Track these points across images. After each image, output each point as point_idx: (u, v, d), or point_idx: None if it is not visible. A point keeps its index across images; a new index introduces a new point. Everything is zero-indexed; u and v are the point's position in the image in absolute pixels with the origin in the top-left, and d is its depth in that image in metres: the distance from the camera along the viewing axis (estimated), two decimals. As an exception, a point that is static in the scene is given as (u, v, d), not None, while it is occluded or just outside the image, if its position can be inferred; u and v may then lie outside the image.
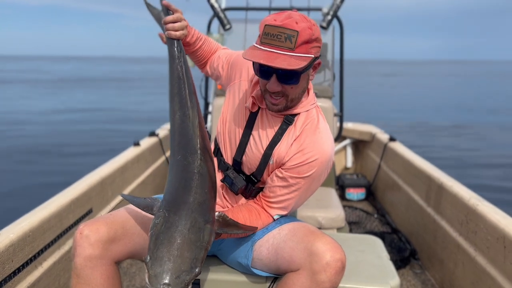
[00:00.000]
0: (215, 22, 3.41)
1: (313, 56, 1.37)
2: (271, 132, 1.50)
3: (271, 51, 1.32)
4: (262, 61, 1.31)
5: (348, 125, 4.57)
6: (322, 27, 3.21)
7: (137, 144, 3.54)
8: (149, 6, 1.63)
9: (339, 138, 3.67)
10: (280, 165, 1.49)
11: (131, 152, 3.33)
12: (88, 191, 2.47)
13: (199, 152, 1.35)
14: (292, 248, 1.38)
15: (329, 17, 3.21)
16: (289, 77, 1.37)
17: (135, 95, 20.40)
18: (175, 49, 1.51)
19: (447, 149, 9.03)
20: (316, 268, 1.31)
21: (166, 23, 1.51)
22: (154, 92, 21.56)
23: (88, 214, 2.44)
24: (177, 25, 1.50)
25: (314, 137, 1.47)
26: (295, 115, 1.50)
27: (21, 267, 1.80)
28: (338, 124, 3.60)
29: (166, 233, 1.18)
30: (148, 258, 1.15)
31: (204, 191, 1.29)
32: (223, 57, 1.72)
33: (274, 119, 1.51)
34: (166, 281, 1.11)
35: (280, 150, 1.48)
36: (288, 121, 1.49)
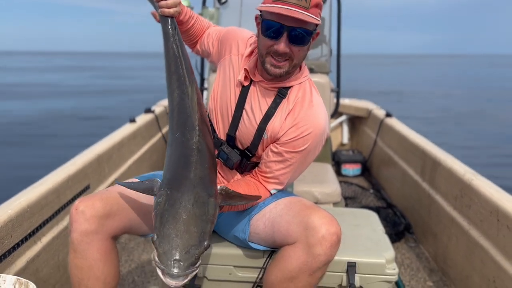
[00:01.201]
0: None
1: (320, 21, 1.37)
2: (264, 106, 1.50)
3: (288, 8, 1.30)
4: (283, 12, 1.29)
5: (344, 101, 4.56)
6: None
7: (133, 120, 3.53)
8: None
9: (336, 113, 3.67)
10: (275, 139, 1.49)
11: (127, 129, 3.32)
12: (85, 167, 2.48)
13: (197, 128, 1.34)
14: (288, 222, 1.40)
15: None
16: (300, 38, 1.36)
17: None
18: (169, 27, 1.48)
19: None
20: (311, 241, 1.33)
21: (158, 0, 1.47)
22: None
23: (85, 190, 2.45)
24: (170, 1, 1.47)
25: (308, 111, 1.47)
26: (288, 88, 1.49)
27: (20, 242, 1.82)
28: (335, 100, 3.59)
29: (171, 210, 1.18)
30: (155, 236, 1.14)
31: (204, 166, 1.30)
32: (213, 34, 1.69)
33: (267, 92, 1.50)
34: (177, 257, 1.11)
35: (274, 124, 1.48)
36: (282, 94, 1.48)
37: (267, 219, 1.47)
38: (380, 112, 4.19)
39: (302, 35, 1.35)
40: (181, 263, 1.10)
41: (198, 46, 1.76)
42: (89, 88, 20.00)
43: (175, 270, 1.10)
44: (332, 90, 3.02)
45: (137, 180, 1.53)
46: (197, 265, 1.14)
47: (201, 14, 3.13)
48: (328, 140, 3.03)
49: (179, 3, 1.51)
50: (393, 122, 3.81)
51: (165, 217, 1.17)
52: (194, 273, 1.14)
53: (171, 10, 1.48)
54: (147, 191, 1.33)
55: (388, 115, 4.00)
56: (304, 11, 1.31)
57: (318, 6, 1.35)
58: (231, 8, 3.27)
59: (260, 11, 1.40)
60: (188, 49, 1.87)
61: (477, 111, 13.88)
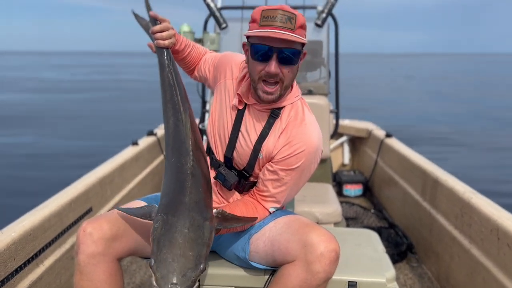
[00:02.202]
0: (211, 22, 3.44)
1: (306, 41, 1.42)
2: (259, 127, 1.54)
3: (275, 31, 1.36)
4: (271, 35, 1.35)
5: (344, 122, 4.60)
6: (317, 25, 3.24)
7: (135, 143, 3.57)
8: (137, 17, 1.69)
9: (335, 134, 3.70)
10: (270, 158, 1.53)
11: (129, 152, 3.35)
12: (87, 190, 2.50)
13: (191, 153, 1.38)
14: (287, 240, 1.41)
15: (323, 15, 3.24)
16: (289, 59, 1.41)
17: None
18: (165, 58, 1.56)
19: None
20: (310, 258, 1.34)
21: (154, 33, 1.55)
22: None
23: (88, 213, 2.47)
24: (165, 34, 1.55)
25: (300, 129, 1.50)
26: (281, 108, 1.53)
27: (23, 265, 1.83)
28: (334, 121, 3.63)
29: (167, 235, 1.20)
30: (153, 261, 1.16)
31: (199, 190, 1.32)
32: (209, 60, 1.76)
33: (261, 114, 1.55)
34: (174, 281, 1.12)
35: (268, 144, 1.52)
36: (275, 114, 1.52)
37: (267, 238, 1.49)
38: (380, 133, 4.22)
39: (290, 55, 1.40)
40: (178, 286, 1.12)
41: (195, 73, 1.82)
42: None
43: None
44: (331, 111, 3.06)
45: (141, 201, 1.57)
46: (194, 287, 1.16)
47: (202, 39, 3.21)
48: (328, 160, 3.05)
49: (174, 35, 1.59)
50: (393, 142, 3.83)
51: (162, 242, 1.19)
52: None
53: (166, 42, 1.56)
54: (145, 216, 1.36)
55: (388, 135, 4.03)
56: (291, 32, 1.37)
57: (302, 27, 1.42)
58: (232, 33, 3.35)
59: (248, 37, 1.45)
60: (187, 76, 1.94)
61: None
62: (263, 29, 1.37)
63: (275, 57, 1.40)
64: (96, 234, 1.41)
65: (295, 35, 1.37)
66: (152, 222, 1.30)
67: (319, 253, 1.34)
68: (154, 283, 1.14)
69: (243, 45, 1.51)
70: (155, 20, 1.60)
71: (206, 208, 1.31)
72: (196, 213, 1.26)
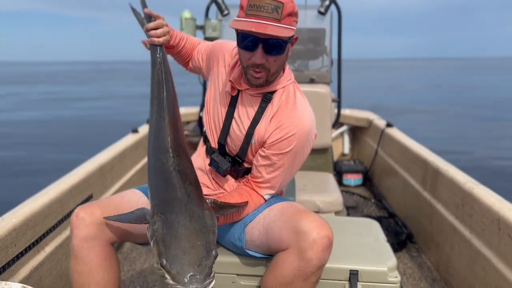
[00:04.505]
0: (213, 8, 3.40)
1: (295, 29, 1.41)
2: (251, 112, 1.54)
3: (259, 22, 1.34)
4: (254, 29, 1.33)
5: (345, 111, 4.58)
6: (320, 12, 3.20)
7: (135, 131, 3.55)
8: (134, 11, 1.68)
9: (337, 123, 3.69)
10: (262, 143, 1.53)
11: (129, 139, 3.34)
12: (88, 177, 2.49)
13: (170, 150, 1.37)
14: (281, 228, 1.42)
15: (327, 3, 3.20)
16: (275, 48, 1.40)
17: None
18: (158, 55, 1.56)
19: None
20: (303, 246, 1.34)
21: (148, 30, 1.56)
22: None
23: (88, 199, 2.46)
24: (159, 31, 1.55)
25: (291, 112, 1.50)
26: (273, 92, 1.53)
27: (24, 251, 1.83)
28: (336, 110, 3.62)
29: (171, 232, 1.19)
30: (164, 261, 1.14)
31: (187, 184, 1.32)
32: (201, 49, 1.76)
33: (253, 99, 1.55)
34: (191, 272, 1.11)
35: (260, 128, 1.52)
36: (266, 99, 1.52)
37: (261, 226, 1.50)
38: (380, 122, 4.21)
39: (277, 45, 1.39)
40: (197, 276, 1.11)
41: (190, 64, 1.83)
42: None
43: (194, 285, 1.10)
44: (333, 100, 3.04)
45: (136, 190, 1.59)
46: (212, 275, 1.15)
47: (203, 26, 3.18)
48: (329, 150, 3.05)
49: (168, 32, 1.59)
50: (394, 132, 3.82)
51: (168, 240, 1.18)
52: (212, 284, 1.14)
53: (161, 39, 1.56)
54: (140, 219, 1.34)
55: (389, 125, 4.02)
56: (276, 23, 1.34)
57: (292, 14, 1.38)
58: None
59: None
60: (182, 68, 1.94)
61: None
62: (248, 18, 1.36)
63: (261, 47, 1.39)
64: (88, 219, 1.43)
65: (281, 26, 1.35)
66: (147, 224, 1.28)
67: (311, 240, 1.34)
68: (171, 281, 1.12)
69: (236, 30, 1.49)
70: (150, 17, 1.60)
71: (200, 199, 1.31)
72: (192, 205, 1.26)
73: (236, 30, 1.44)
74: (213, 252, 1.17)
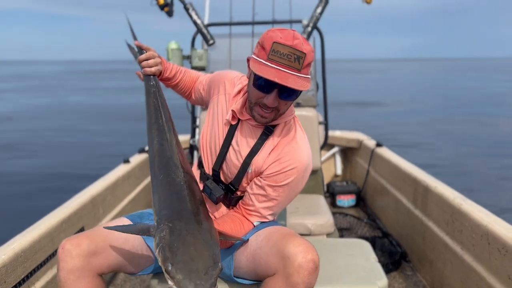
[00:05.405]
0: (199, 38, 3.47)
1: (310, 77, 1.42)
2: (251, 142, 1.55)
3: (280, 70, 1.34)
4: (276, 80, 1.32)
5: (336, 133, 4.63)
6: None
7: (126, 161, 3.56)
8: (130, 48, 1.78)
9: (325, 145, 3.73)
10: (259, 173, 1.54)
11: (121, 170, 3.34)
12: (79, 210, 2.49)
13: (180, 166, 1.42)
14: (267, 254, 1.42)
15: (309, 29, 3.28)
16: (290, 94, 1.41)
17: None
18: (151, 84, 1.66)
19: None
20: (289, 271, 1.34)
21: (140, 61, 1.65)
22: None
23: (79, 232, 2.45)
24: (150, 61, 1.65)
25: (291, 147, 1.52)
26: (275, 126, 1.55)
27: None
28: (323, 132, 3.66)
29: (179, 239, 1.20)
30: (170, 266, 1.14)
31: (196, 198, 1.37)
32: (203, 80, 1.82)
33: (254, 129, 1.57)
34: (198, 279, 1.11)
35: (258, 158, 1.53)
36: (268, 131, 1.54)
37: (248, 252, 1.50)
38: (370, 143, 4.25)
39: (292, 92, 1.41)
40: (203, 283, 1.11)
41: (193, 96, 1.88)
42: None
43: None
44: (320, 123, 3.08)
45: (125, 219, 1.58)
46: (216, 287, 1.15)
47: (190, 56, 3.24)
48: (319, 172, 3.07)
49: (160, 62, 1.67)
50: (384, 151, 3.86)
51: (175, 246, 1.18)
52: None
53: (153, 69, 1.65)
54: (143, 231, 1.34)
55: (379, 145, 4.06)
56: (297, 72, 1.35)
57: (309, 64, 1.39)
58: (219, 49, 3.38)
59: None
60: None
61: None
62: (270, 63, 1.35)
63: (276, 92, 1.40)
64: (74, 251, 1.42)
65: (300, 75, 1.35)
66: (151, 236, 1.30)
67: (297, 264, 1.33)
68: (175, 286, 1.12)
69: (247, 60, 1.47)
70: (141, 49, 1.70)
71: (207, 214, 1.35)
72: (201, 217, 1.29)
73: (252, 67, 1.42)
74: (220, 264, 1.18)
